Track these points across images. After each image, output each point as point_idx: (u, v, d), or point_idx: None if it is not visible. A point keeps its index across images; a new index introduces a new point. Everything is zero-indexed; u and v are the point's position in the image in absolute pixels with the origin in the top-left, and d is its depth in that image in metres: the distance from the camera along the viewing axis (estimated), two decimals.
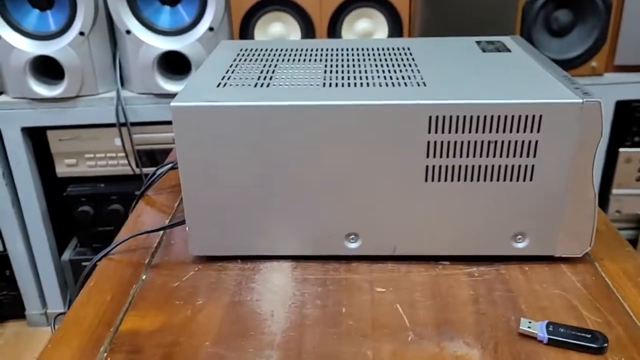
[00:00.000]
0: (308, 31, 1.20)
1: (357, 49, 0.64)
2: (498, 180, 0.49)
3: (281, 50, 0.64)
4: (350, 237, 0.52)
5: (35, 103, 1.21)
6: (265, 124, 0.48)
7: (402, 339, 0.44)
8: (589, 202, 0.49)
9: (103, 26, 1.19)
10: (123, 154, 1.25)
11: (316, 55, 0.62)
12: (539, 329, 0.43)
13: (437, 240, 0.52)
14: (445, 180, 0.49)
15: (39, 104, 1.22)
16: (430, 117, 0.47)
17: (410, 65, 0.57)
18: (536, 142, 0.48)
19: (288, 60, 0.61)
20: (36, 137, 1.28)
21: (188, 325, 0.47)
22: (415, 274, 0.52)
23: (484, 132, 0.47)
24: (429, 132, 0.48)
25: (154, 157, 1.26)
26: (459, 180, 0.49)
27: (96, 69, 1.20)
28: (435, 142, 0.48)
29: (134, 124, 1.23)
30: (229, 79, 0.55)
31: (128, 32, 1.17)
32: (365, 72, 0.55)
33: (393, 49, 0.63)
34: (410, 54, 0.61)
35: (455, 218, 0.51)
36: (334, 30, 1.20)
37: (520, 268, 0.52)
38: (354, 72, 0.55)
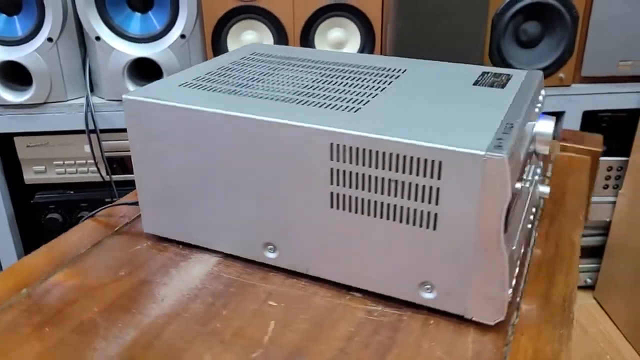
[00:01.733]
0: (281, 39, 1.20)
1: (359, 67, 0.63)
2: (401, 221, 0.47)
3: (295, 59, 0.65)
4: (269, 246, 0.54)
5: (1, 109, 1.19)
6: (198, 127, 0.51)
7: (247, 354, 0.44)
8: (500, 266, 0.45)
9: (72, 32, 1.18)
10: (93, 161, 1.24)
11: (317, 68, 0.62)
12: None
13: (346, 270, 0.51)
14: (350, 210, 0.48)
15: (5, 110, 1.19)
16: (331, 144, 0.46)
17: (378, 88, 0.56)
18: (437, 189, 0.44)
19: (286, 69, 0.61)
20: (3, 144, 1.25)
21: (95, 291, 0.51)
22: (320, 297, 0.51)
23: (383, 168, 0.46)
24: (331, 159, 0.47)
25: (124, 164, 1.25)
26: (362, 213, 0.48)
27: (65, 75, 1.19)
28: (338, 170, 0.47)
29: (103, 131, 1.22)
30: (203, 80, 0.57)
31: (98, 38, 1.15)
32: (331, 90, 0.55)
33: (390, 70, 0.62)
34: (396, 78, 0.59)
35: (361, 251, 0.49)
36: (306, 39, 1.20)
37: (425, 319, 0.49)
38: (325, 89, 0.55)
